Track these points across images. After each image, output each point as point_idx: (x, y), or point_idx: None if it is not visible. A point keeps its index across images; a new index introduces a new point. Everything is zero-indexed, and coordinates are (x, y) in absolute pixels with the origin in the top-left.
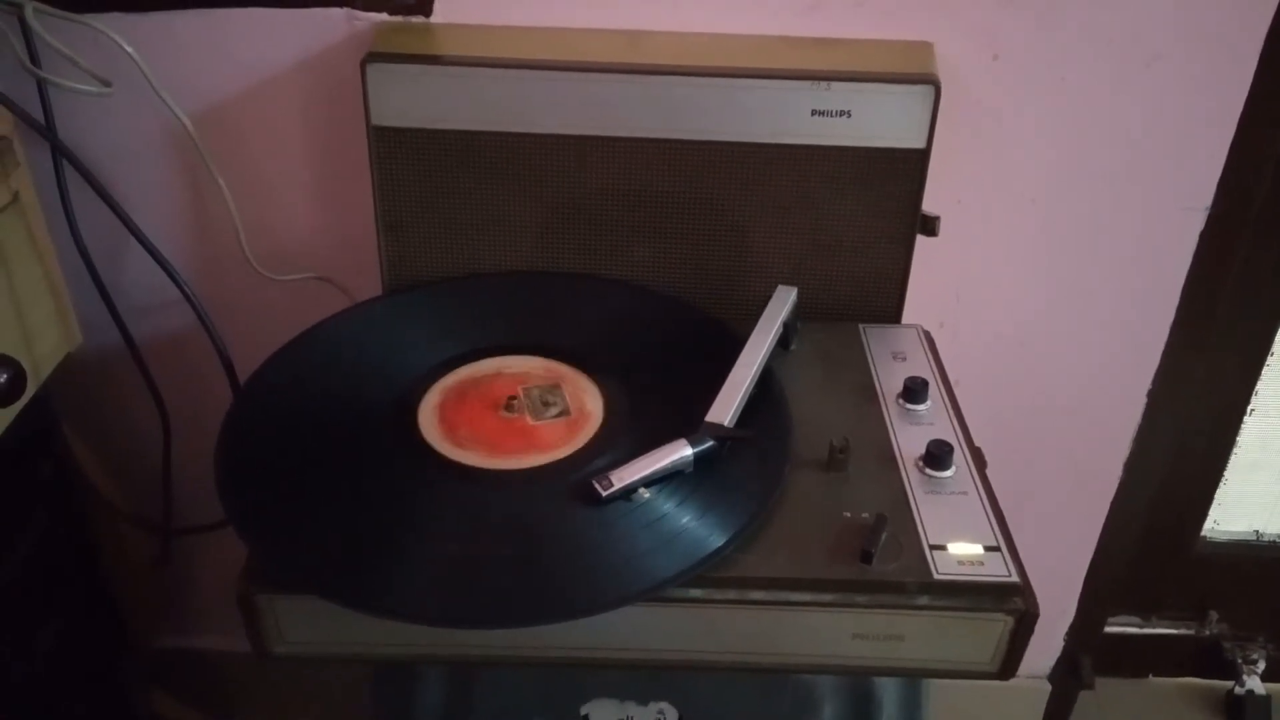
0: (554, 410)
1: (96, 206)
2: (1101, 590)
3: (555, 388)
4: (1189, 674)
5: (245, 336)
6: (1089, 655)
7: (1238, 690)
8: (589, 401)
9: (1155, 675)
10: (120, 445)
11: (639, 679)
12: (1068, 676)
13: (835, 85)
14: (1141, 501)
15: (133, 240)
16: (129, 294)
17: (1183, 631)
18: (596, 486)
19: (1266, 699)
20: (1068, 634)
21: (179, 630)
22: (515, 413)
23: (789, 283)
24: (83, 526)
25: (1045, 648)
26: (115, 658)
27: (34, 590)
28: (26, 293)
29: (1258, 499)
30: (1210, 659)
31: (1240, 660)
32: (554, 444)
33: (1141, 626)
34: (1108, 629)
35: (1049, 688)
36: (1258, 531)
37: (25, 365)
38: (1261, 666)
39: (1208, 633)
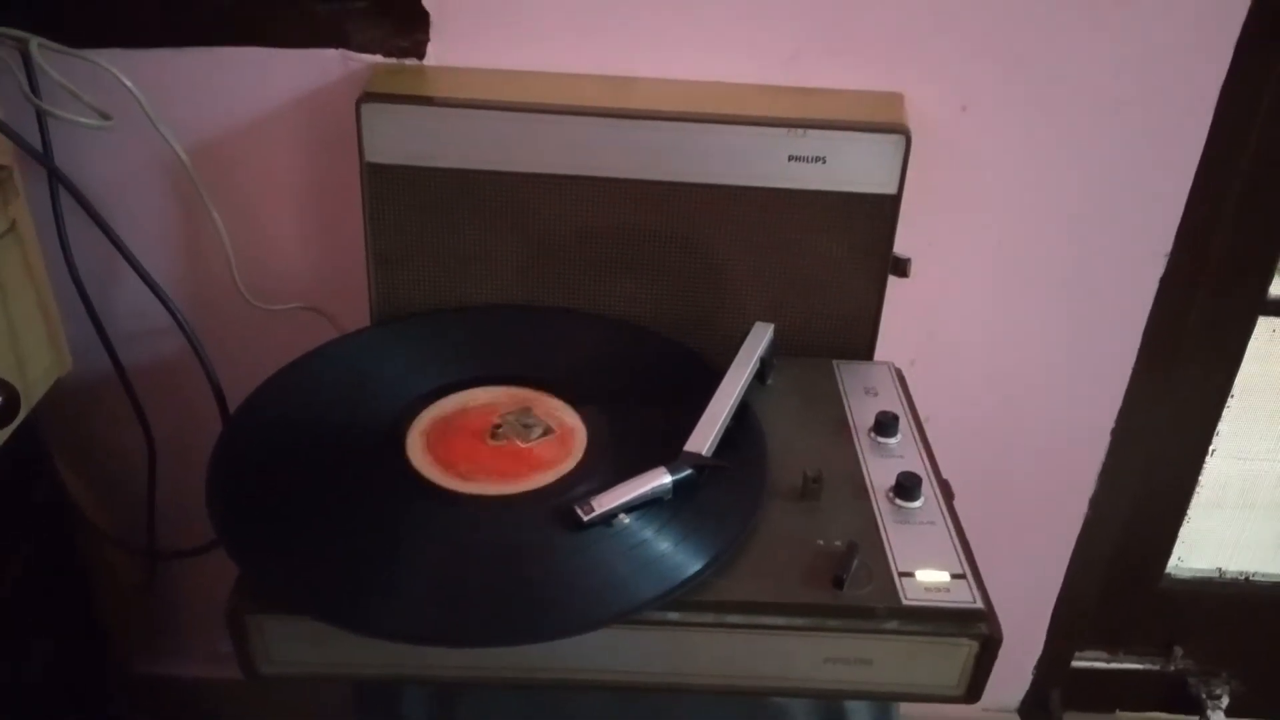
0: (537, 431)
1: (90, 234)
2: (1069, 624)
3: (527, 410)
4: (1156, 708)
5: (234, 365)
6: (1057, 689)
7: None
8: (572, 431)
9: (1122, 709)
10: (107, 470)
11: (618, 700)
12: (1037, 709)
13: (811, 132)
14: (1107, 538)
15: (125, 268)
16: (120, 321)
17: (1149, 666)
18: (578, 512)
19: None
20: (1036, 667)
21: (164, 658)
22: (501, 440)
23: (766, 320)
24: (72, 550)
25: (1014, 680)
26: (102, 683)
27: (23, 614)
28: (20, 318)
29: (1220, 537)
30: (1176, 694)
31: (1205, 695)
32: (538, 470)
33: (1109, 661)
34: (1075, 663)
35: None
36: (1220, 569)
37: (18, 389)
38: (1226, 701)
39: (1173, 668)
